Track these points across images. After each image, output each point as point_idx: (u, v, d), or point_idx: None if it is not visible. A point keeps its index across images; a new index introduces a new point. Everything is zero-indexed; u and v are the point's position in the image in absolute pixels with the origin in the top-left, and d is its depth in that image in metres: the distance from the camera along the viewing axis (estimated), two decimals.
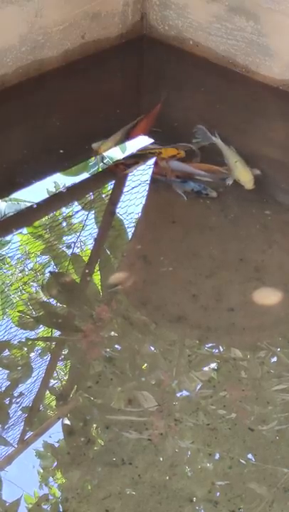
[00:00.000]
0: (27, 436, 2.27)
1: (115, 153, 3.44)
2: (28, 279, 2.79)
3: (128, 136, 3.52)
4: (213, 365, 2.50)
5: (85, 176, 3.36)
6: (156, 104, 3.69)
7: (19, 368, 2.48)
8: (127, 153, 3.45)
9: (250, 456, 2.22)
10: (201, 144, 3.47)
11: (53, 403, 2.40)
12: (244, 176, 3.26)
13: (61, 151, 3.39)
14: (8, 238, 2.97)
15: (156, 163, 3.38)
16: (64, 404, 2.38)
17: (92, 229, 3.08)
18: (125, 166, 3.37)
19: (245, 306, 2.71)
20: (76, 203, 3.21)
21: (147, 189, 3.28)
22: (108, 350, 2.53)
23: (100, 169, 3.37)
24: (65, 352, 2.59)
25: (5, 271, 2.83)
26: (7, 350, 2.53)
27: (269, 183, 3.31)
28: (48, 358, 2.53)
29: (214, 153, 3.40)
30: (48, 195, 3.20)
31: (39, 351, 2.55)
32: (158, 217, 3.17)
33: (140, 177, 3.34)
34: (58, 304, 2.73)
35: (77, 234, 3.04)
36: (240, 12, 3.87)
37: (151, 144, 3.49)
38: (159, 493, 2.10)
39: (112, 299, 2.75)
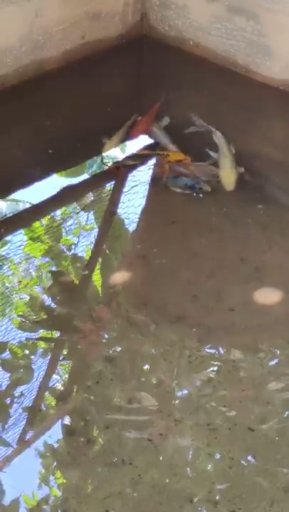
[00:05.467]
0: (27, 437, 2.27)
1: (116, 153, 3.44)
2: (28, 280, 2.79)
3: (129, 136, 3.52)
4: (213, 366, 2.50)
5: (85, 176, 3.36)
6: (155, 103, 3.68)
7: (19, 368, 2.48)
8: (128, 153, 3.45)
9: (250, 456, 2.22)
10: (198, 130, 3.49)
11: (53, 403, 2.40)
12: (227, 176, 3.24)
13: (61, 151, 3.39)
14: (8, 238, 2.97)
15: (156, 165, 3.39)
16: (64, 404, 2.38)
17: (92, 229, 3.08)
18: (124, 167, 3.37)
19: (246, 307, 2.71)
20: (76, 203, 3.21)
21: (147, 189, 3.28)
22: (108, 350, 2.53)
23: (100, 169, 3.37)
24: (65, 352, 2.59)
25: (5, 271, 2.83)
26: (7, 350, 2.53)
27: (269, 183, 3.31)
28: (48, 359, 2.53)
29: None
30: (48, 196, 3.20)
31: (39, 352, 2.55)
32: (158, 217, 3.17)
33: (140, 177, 3.34)
34: (58, 304, 2.73)
35: (77, 234, 3.04)
36: (240, 12, 3.87)
37: (153, 144, 3.49)
38: (159, 493, 2.10)
39: (112, 300, 2.75)
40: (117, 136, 3.47)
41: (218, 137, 3.43)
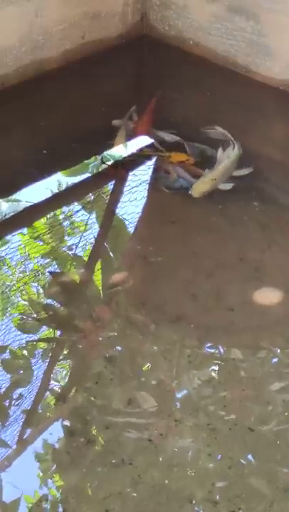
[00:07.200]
0: (27, 437, 2.27)
1: (116, 153, 3.44)
2: (29, 280, 2.79)
3: (130, 136, 3.52)
4: (213, 365, 2.50)
5: (85, 176, 3.36)
6: (150, 100, 3.68)
7: (19, 368, 2.48)
8: (129, 153, 3.45)
9: (250, 456, 2.22)
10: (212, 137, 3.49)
11: (53, 403, 2.40)
12: (203, 184, 3.18)
13: (60, 152, 3.40)
14: (8, 238, 2.97)
15: (158, 165, 3.38)
16: (64, 405, 2.38)
17: (92, 229, 3.08)
18: (122, 167, 3.36)
19: (245, 306, 2.71)
20: (76, 203, 3.21)
21: (147, 189, 3.28)
22: (108, 350, 2.53)
23: (99, 170, 3.37)
24: (65, 352, 2.59)
25: (5, 271, 2.83)
26: (8, 350, 2.53)
27: (269, 182, 3.31)
28: (48, 358, 2.53)
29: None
30: (48, 196, 3.20)
31: (39, 352, 2.55)
32: (158, 217, 3.17)
33: (140, 177, 3.34)
34: (58, 304, 2.73)
35: (78, 234, 3.04)
36: (240, 12, 3.87)
37: (153, 144, 3.49)
38: (159, 493, 2.10)
39: (112, 299, 2.75)
40: (121, 136, 3.46)
41: (232, 149, 3.38)
